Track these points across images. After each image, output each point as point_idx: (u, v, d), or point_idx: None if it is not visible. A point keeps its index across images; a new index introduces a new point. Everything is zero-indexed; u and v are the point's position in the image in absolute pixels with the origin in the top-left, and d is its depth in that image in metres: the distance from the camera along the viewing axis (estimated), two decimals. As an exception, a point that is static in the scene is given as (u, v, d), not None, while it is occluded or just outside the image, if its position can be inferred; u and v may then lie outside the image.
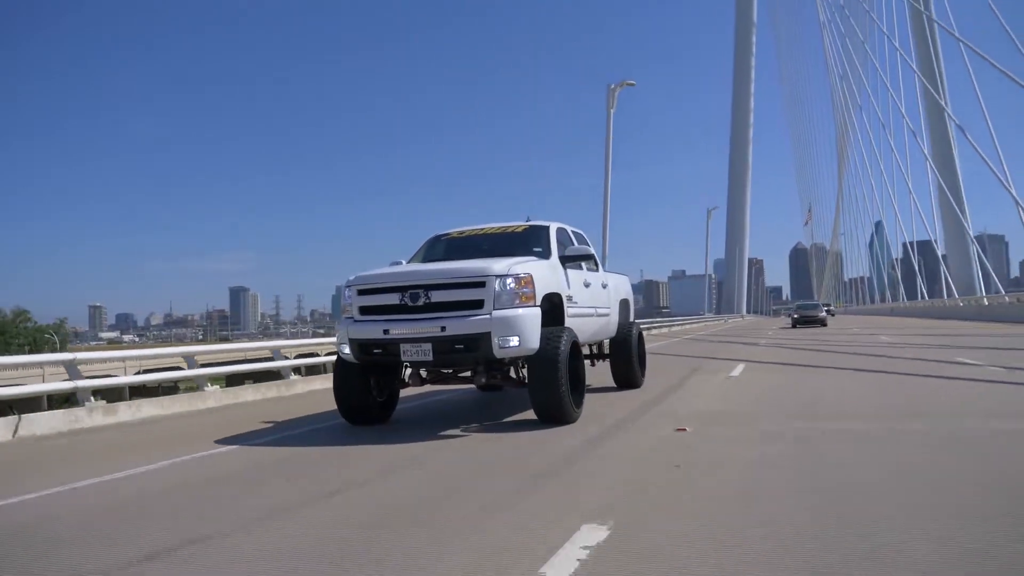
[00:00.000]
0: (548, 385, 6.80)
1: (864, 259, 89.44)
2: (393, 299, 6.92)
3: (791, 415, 7.25)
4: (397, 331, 6.81)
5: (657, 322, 44.77)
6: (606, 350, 10.42)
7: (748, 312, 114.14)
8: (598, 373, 10.73)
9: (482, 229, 8.84)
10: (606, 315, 9.47)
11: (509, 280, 6.74)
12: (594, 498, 4.20)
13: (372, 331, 6.95)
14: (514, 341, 6.62)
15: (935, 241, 54.62)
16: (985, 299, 41.55)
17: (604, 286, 9.52)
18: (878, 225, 75.12)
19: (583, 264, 8.76)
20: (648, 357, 11.27)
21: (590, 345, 10.37)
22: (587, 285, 8.63)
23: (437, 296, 6.78)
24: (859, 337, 23.79)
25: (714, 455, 5.34)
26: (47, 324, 72.96)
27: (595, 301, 8.93)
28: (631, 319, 10.84)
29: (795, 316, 41.63)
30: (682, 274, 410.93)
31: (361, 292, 7.16)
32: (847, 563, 2.94)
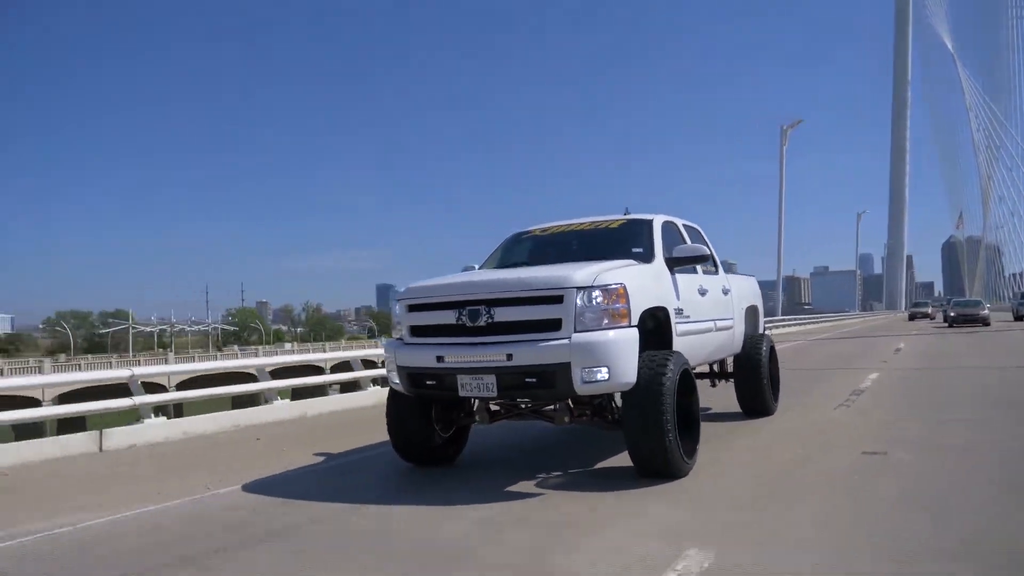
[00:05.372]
0: (649, 430, 5.15)
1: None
2: (448, 317, 5.46)
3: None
4: (453, 359, 5.37)
5: (795, 320, 44.98)
6: (730, 367, 8.51)
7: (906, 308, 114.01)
8: (718, 395, 8.90)
9: (570, 225, 7.21)
10: (728, 327, 7.59)
11: (595, 293, 5.14)
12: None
13: (424, 358, 5.54)
14: (602, 373, 5.02)
15: None
16: None
17: (725, 291, 7.63)
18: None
19: (697, 267, 6.97)
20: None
21: (710, 363, 8.51)
22: (703, 293, 6.83)
23: (502, 314, 5.26)
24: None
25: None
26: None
27: (714, 312, 7.10)
28: (760, 330, 8.81)
29: (951, 314, 35.92)
30: (825, 270, 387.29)
31: (412, 308, 5.77)
32: None
